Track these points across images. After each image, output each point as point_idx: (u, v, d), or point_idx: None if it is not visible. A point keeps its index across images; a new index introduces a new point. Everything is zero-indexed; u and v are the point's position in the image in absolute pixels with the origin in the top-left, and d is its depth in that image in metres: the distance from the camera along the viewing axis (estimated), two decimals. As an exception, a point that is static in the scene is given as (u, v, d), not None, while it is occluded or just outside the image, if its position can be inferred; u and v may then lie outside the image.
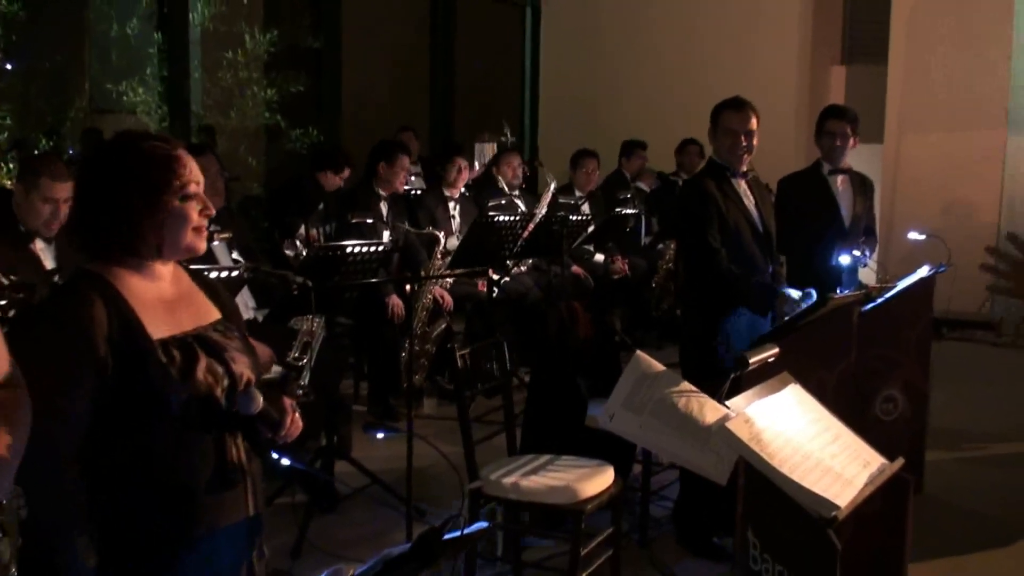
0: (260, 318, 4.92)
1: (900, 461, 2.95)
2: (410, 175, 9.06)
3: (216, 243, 4.33)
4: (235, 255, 4.50)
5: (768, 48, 11.73)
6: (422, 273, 6.55)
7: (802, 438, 2.74)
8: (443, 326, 6.67)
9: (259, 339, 5.00)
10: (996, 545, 5.08)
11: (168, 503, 2.30)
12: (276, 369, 5.03)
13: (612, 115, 11.88)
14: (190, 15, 10.33)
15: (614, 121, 11.40)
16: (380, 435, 5.34)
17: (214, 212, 2.45)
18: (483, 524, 2.09)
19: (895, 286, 5.20)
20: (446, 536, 1.85)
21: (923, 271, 5.48)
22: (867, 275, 7.65)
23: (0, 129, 11.03)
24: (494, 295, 6.85)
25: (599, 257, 8.28)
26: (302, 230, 6.67)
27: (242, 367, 2.43)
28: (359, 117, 11.49)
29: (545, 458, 4.27)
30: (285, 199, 7.84)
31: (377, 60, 12.02)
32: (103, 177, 2.34)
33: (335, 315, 4.81)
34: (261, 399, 2.33)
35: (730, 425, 2.59)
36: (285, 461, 2.38)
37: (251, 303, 5.01)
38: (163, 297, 2.40)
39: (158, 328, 2.32)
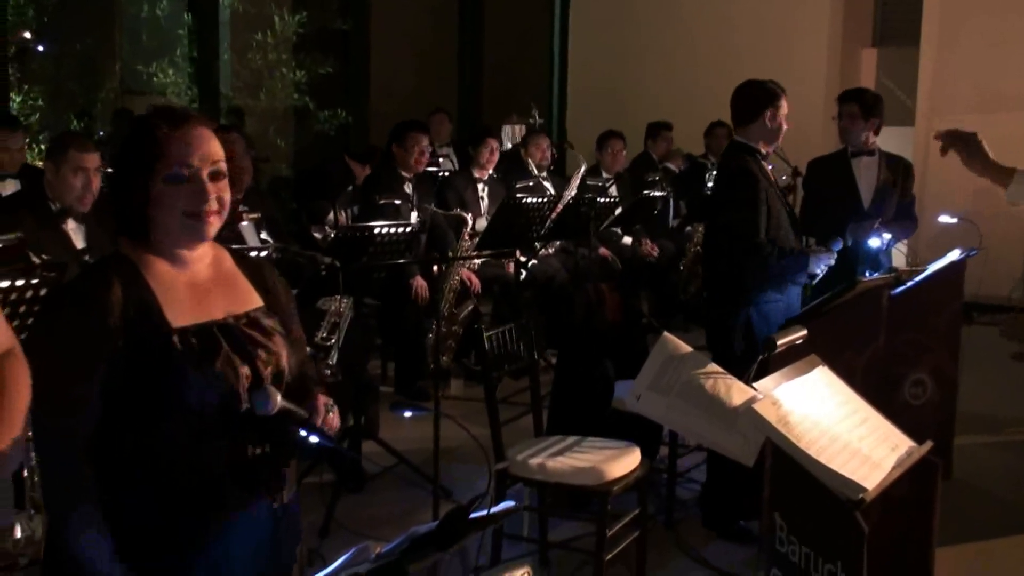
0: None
1: (928, 444, 2.94)
2: (438, 156, 9.12)
3: (244, 223, 4.34)
4: (263, 235, 4.52)
5: (799, 30, 11.63)
6: (449, 255, 6.57)
7: (830, 420, 2.74)
8: (470, 308, 6.68)
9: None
10: (1020, 531, 5.05)
11: (179, 502, 2.21)
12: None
13: (640, 98, 11.83)
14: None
15: (642, 103, 11.36)
16: (407, 413, 5.36)
17: (216, 205, 2.24)
18: (510, 503, 2.09)
19: (925, 269, 5.17)
20: (473, 515, 1.86)
21: (954, 255, 5.44)
22: (899, 258, 7.61)
23: (32, 111, 11.13)
24: (521, 277, 6.84)
25: (627, 239, 8.27)
26: (331, 215, 6.70)
27: (274, 360, 2.32)
28: (387, 99, 11.51)
29: (572, 439, 4.28)
30: (313, 182, 7.87)
31: (405, 42, 12.04)
32: (116, 154, 2.30)
33: (363, 296, 4.81)
34: (279, 398, 2.19)
35: (757, 407, 2.59)
36: (313, 439, 2.27)
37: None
38: (194, 282, 2.30)
39: (180, 315, 2.23)
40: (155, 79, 10.88)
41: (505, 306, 7.02)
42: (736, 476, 3.59)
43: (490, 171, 7.62)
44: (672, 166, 9.34)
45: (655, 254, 8.37)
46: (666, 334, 2.76)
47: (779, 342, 2.78)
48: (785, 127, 4.98)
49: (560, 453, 4.14)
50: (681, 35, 12.02)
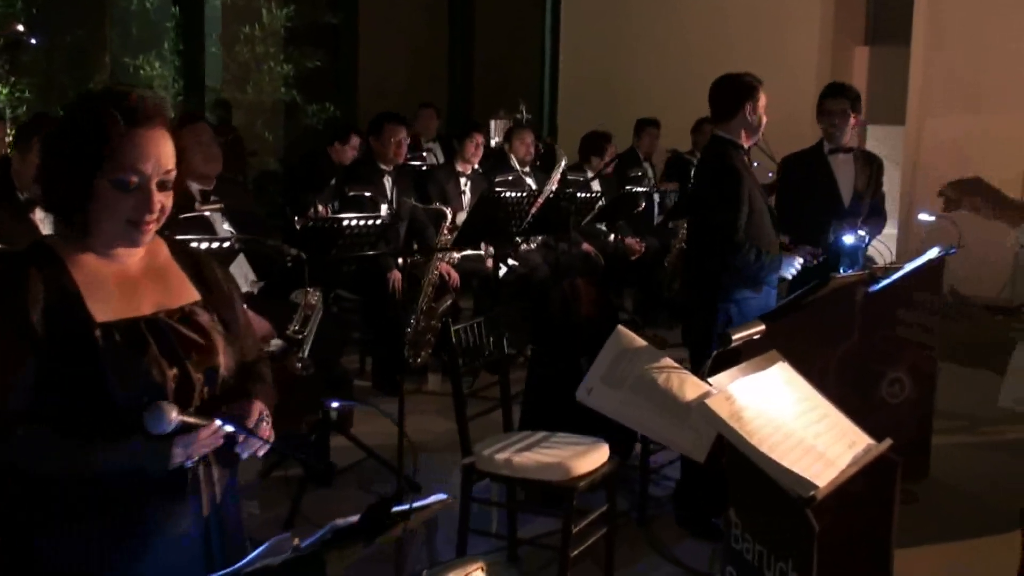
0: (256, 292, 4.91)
1: (887, 442, 2.90)
2: (423, 151, 9.08)
3: (207, 213, 4.30)
4: (226, 226, 4.48)
5: (790, 27, 11.59)
6: (415, 248, 6.54)
7: (785, 417, 2.70)
8: (449, 302, 6.65)
9: (259, 312, 5.03)
10: (996, 531, 5.01)
11: (99, 507, 2.09)
12: (276, 342, 5.02)
13: (631, 94, 11.78)
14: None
15: (633, 99, 11.31)
16: (335, 404, 5.23)
17: (157, 214, 2.13)
18: (441, 496, 2.05)
19: (902, 267, 5.14)
20: (396, 508, 1.82)
21: (932, 253, 5.40)
22: (879, 256, 7.58)
23: (20, 103, 11.07)
24: (500, 273, 6.82)
25: (611, 236, 8.24)
26: (320, 208, 6.66)
27: (208, 360, 2.20)
28: (376, 94, 11.46)
29: (541, 435, 4.25)
30: (299, 175, 7.85)
31: (395, 36, 12.00)
32: (49, 136, 2.17)
33: (334, 288, 4.78)
34: (174, 414, 2.01)
35: (710, 402, 2.55)
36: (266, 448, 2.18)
37: (251, 275, 4.99)
38: (124, 275, 2.19)
39: (105, 309, 2.11)
40: (142, 72, 10.81)
41: (485, 301, 6.99)
42: (709, 474, 3.54)
43: (474, 165, 7.60)
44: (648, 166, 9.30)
45: (641, 250, 8.34)
46: (620, 327, 2.73)
47: (734, 336, 2.74)
48: (764, 120, 4.94)
49: (528, 448, 4.10)
50: (673, 31, 11.98)
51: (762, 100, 4.92)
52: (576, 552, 3.97)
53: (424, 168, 8.16)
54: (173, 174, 2.17)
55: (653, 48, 12.06)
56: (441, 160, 9.53)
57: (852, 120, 5.82)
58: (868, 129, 11.51)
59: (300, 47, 11.48)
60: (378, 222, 4.38)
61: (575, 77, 12.95)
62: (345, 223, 4.23)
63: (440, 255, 6.52)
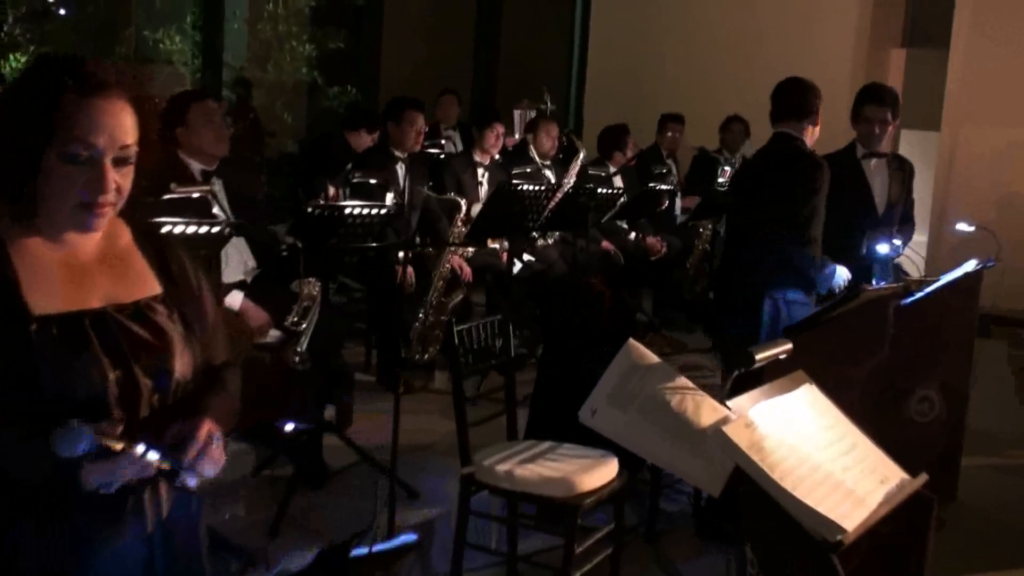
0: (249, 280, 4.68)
1: (923, 478, 2.63)
2: (442, 138, 8.82)
3: (196, 195, 4.06)
4: (215, 209, 4.23)
5: (826, 26, 11.26)
6: (445, 239, 6.29)
7: (811, 447, 2.43)
8: (460, 297, 6.39)
9: (257, 301, 4.79)
10: (1024, 563, 4.75)
11: (27, 525, 1.87)
12: (274, 333, 4.79)
13: (659, 88, 11.47)
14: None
15: (661, 95, 11.00)
16: (289, 427, 4.96)
17: (112, 195, 1.91)
18: (408, 538, 1.79)
19: (938, 280, 4.86)
20: (356, 553, 1.56)
21: (969, 265, 5.12)
22: (912, 266, 7.29)
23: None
24: (515, 269, 6.56)
25: (632, 234, 7.96)
26: (330, 191, 6.41)
27: (160, 363, 1.96)
28: (398, 77, 11.19)
29: (546, 445, 3.98)
30: (313, 158, 7.60)
31: (420, 20, 11.72)
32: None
33: (337, 278, 4.54)
34: (92, 439, 1.73)
35: (727, 429, 2.28)
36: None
37: (251, 262, 4.76)
38: (73, 262, 1.96)
39: (46, 300, 1.88)
40: (161, 46, 10.58)
41: (498, 297, 6.74)
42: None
43: (494, 156, 7.33)
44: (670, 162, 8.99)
45: (662, 250, 8.06)
46: (631, 341, 2.46)
47: (758, 356, 2.46)
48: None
49: (531, 460, 3.84)
50: (704, 28, 11.65)
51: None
52: (579, 573, 3.71)
53: (441, 156, 7.89)
54: (133, 150, 1.93)
55: (682, 43, 11.74)
56: (460, 149, 9.28)
57: (891, 128, 5.57)
58: (901, 133, 11.20)
59: (324, 27, 11.24)
60: (383, 211, 4.11)
61: (603, 69, 12.65)
62: (347, 211, 3.97)
63: (452, 248, 6.25)
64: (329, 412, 5.19)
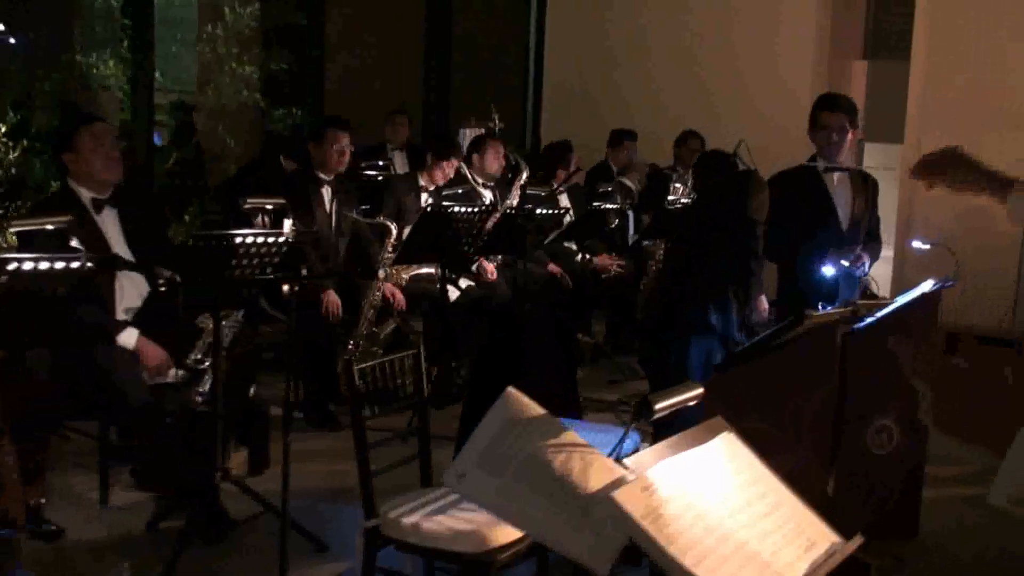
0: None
1: (858, 540, 2.27)
2: (384, 159, 8.48)
3: (51, 227, 3.69)
4: (74, 242, 3.86)
5: (786, 39, 10.96)
6: (377, 264, 5.93)
7: (723, 511, 2.07)
8: (392, 327, 6.02)
9: (157, 338, 4.41)
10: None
11: None
12: (175, 373, 4.42)
13: (616, 106, 11.14)
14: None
15: (619, 112, 10.68)
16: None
17: None
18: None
19: (891, 302, 4.53)
20: None
21: (926, 285, 4.79)
22: (877, 285, 6.97)
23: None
24: (453, 296, 6.21)
25: (579, 256, 7.61)
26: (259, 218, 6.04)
27: None
28: (345, 98, 10.83)
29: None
30: (242, 185, 7.24)
31: (365, 38, 11.35)
32: None
33: (226, 314, 4.16)
34: None
35: (619, 495, 1.92)
36: None
37: (146, 292, 4.39)
38: None
39: None
40: (94, 71, 10.21)
41: (437, 326, 6.37)
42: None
43: (438, 184, 6.95)
44: (628, 181, 8.63)
45: (613, 267, 7.70)
46: (510, 390, 2.09)
47: (657, 407, 2.10)
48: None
49: (442, 509, 3.45)
50: (661, 42, 11.33)
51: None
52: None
53: (380, 178, 7.53)
54: None
55: (639, 59, 11.41)
56: (405, 170, 8.92)
57: (850, 135, 5.26)
58: (865, 147, 10.93)
59: (266, 49, 10.89)
60: (280, 239, 3.74)
61: (558, 87, 12.32)
62: (239, 240, 3.60)
63: (383, 274, 5.88)
64: (240, 456, 4.81)
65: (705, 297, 4.85)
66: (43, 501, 4.29)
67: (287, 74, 10.92)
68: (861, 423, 4.69)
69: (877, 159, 10.54)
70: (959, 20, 9.85)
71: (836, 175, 5.31)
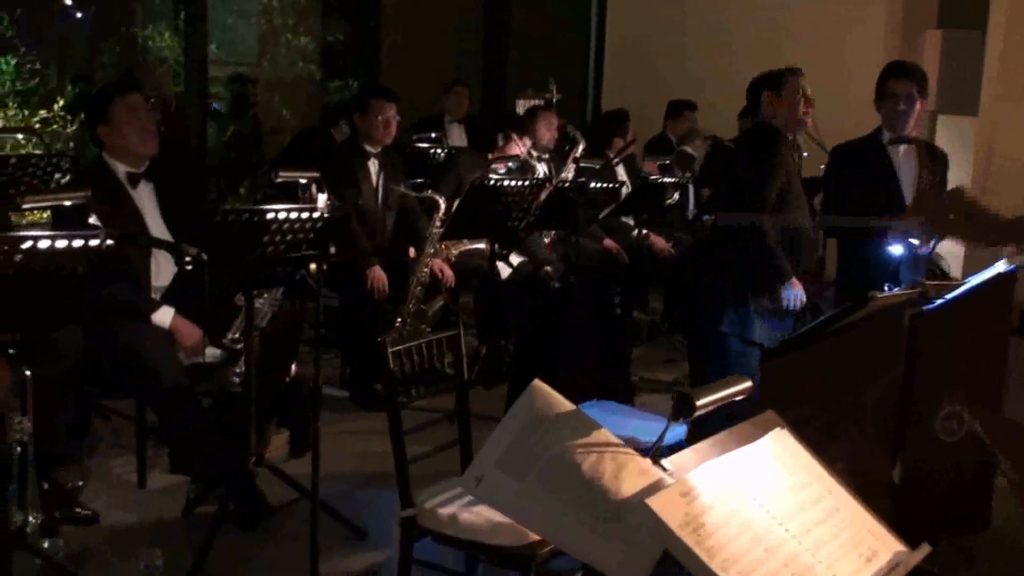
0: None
1: (924, 549, 2.06)
2: (440, 131, 8.30)
3: (68, 203, 3.56)
4: (92, 219, 3.72)
5: (857, 9, 10.62)
6: (425, 239, 5.76)
7: (771, 519, 1.87)
8: (440, 304, 5.85)
9: (194, 316, 4.29)
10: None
11: None
12: (212, 352, 4.29)
13: (681, 78, 10.83)
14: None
15: (683, 84, 10.38)
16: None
17: None
18: None
19: (962, 283, 4.27)
20: None
21: (999, 265, 4.51)
22: (954, 261, 6.68)
23: (32, 75, 10.49)
24: (504, 273, 6.02)
25: (636, 231, 7.36)
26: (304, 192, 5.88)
27: None
28: (401, 69, 10.66)
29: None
30: (292, 157, 7.10)
31: (423, 9, 11.16)
32: None
33: (261, 292, 4.02)
34: None
35: (654, 501, 1.73)
36: None
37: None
38: None
39: None
40: (150, 43, 10.15)
41: (487, 302, 6.20)
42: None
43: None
44: (689, 149, 8.34)
45: (667, 250, 7.45)
46: (536, 382, 1.91)
47: (700, 402, 1.90)
48: (802, 109, 4.84)
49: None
50: (729, 12, 11.01)
51: (792, 88, 4.81)
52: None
53: (435, 152, 7.34)
54: None
55: (706, 31, 11.06)
56: (464, 143, 8.73)
57: (919, 105, 4.99)
58: (938, 120, 10.53)
59: (322, 19, 10.75)
60: (315, 215, 3.58)
61: (620, 59, 12.03)
62: (270, 217, 3.44)
63: (430, 250, 5.71)
64: (282, 438, 4.68)
65: (719, 296, 4.74)
66: (80, 484, 4.20)
67: (343, 45, 10.79)
68: (929, 409, 4.46)
69: (951, 131, 10.13)
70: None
71: (902, 148, 5.06)
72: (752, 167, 4.73)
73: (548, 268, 6.22)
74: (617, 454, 1.85)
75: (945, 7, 11.10)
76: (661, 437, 1.88)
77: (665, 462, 1.89)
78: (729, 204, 4.88)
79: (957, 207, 3.54)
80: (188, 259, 3.54)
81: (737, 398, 2.04)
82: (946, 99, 10.24)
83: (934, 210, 3.62)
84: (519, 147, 6.55)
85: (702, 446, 1.99)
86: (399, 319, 5.69)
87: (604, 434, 1.87)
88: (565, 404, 1.92)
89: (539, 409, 1.89)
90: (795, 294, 4.72)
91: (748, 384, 2.05)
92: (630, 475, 1.83)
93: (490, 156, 6.52)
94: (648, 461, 1.88)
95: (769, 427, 2.13)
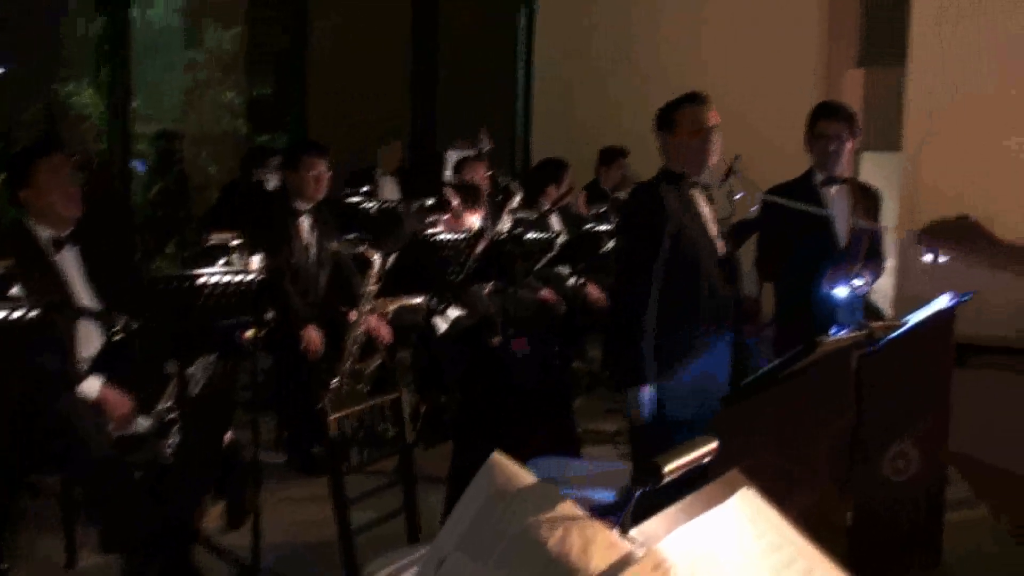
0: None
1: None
2: (371, 184, 8.21)
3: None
4: (14, 290, 3.57)
5: (780, 49, 10.74)
6: (360, 297, 5.65)
7: (746, 587, 1.79)
8: (377, 362, 5.72)
9: (124, 384, 4.13)
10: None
11: None
12: (145, 422, 4.13)
13: (608, 122, 10.87)
14: (135, 8, 9.39)
15: (611, 127, 10.41)
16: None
17: None
18: None
19: (906, 322, 4.25)
20: None
21: (941, 301, 4.51)
22: (884, 299, 6.68)
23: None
24: (442, 327, 5.91)
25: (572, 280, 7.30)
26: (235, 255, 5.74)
27: None
28: (329, 123, 10.55)
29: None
30: (225, 211, 6.97)
31: (350, 61, 11.08)
32: None
33: (192, 359, 3.88)
34: None
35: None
36: None
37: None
38: None
39: None
40: (73, 99, 9.95)
41: (425, 358, 6.09)
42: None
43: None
44: (623, 196, 8.33)
45: (602, 299, 7.39)
46: (494, 457, 1.80)
47: (667, 469, 1.81)
48: (711, 143, 4.27)
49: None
50: (654, 54, 11.08)
51: (695, 118, 4.30)
52: None
53: (366, 206, 7.23)
54: None
55: (631, 75, 11.14)
56: (396, 197, 8.63)
57: (849, 145, 5.00)
58: (862, 156, 10.66)
59: (247, 73, 10.64)
60: (248, 278, 3.46)
61: (549, 107, 12.07)
62: (202, 281, 3.31)
63: (366, 307, 5.59)
64: (217, 508, 4.52)
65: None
66: (6, 567, 3.99)
67: (270, 99, 10.68)
68: (878, 450, 4.43)
69: (877, 166, 10.26)
70: (958, 25, 9.62)
71: (834, 188, 5.05)
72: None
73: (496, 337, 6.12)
74: (584, 528, 1.75)
75: (866, 46, 11.29)
76: (628, 507, 1.78)
77: (634, 532, 1.79)
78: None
79: (971, 231, 3.49)
80: (116, 328, 3.40)
81: (705, 460, 1.95)
82: (870, 136, 10.38)
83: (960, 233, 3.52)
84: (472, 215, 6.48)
85: (670, 511, 1.89)
86: (335, 379, 5.56)
87: (569, 507, 1.77)
88: (526, 477, 1.82)
89: (499, 484, 1.78)
90: (642, 399, 4.10)
91: (714, 445, 1.96)
92: (599, 549, 1.73)
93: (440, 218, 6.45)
94: (616, 533, 1.78)
95: (736, 487, 2.04)
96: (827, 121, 5.01)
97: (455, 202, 6.30)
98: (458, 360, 5.84)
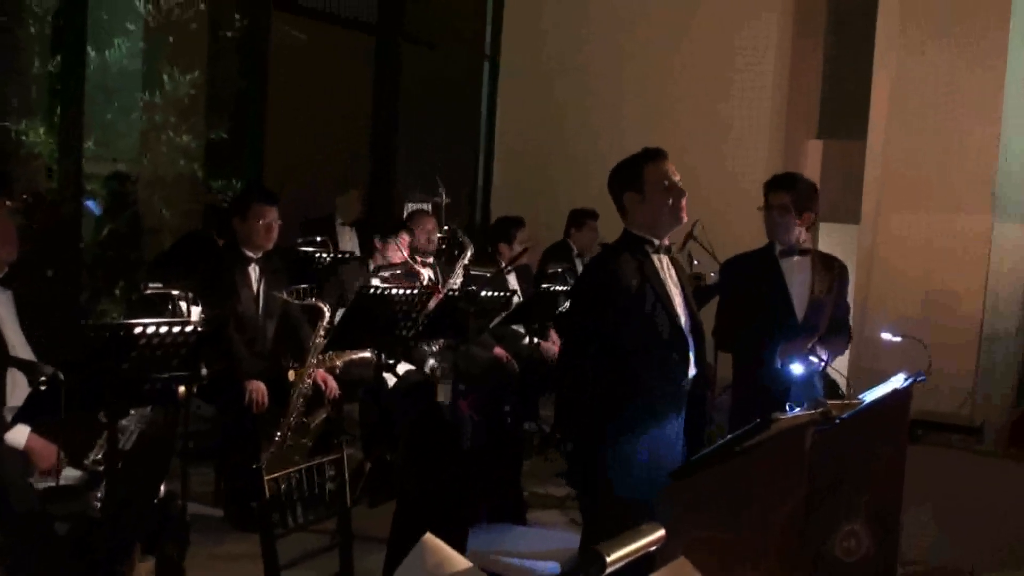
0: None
1: None
2: (327, 235, 8.11)
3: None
4: None
5: (739, 120, 10.81)
6: (308, 349, 5.51)
7: None
8: (323, 416, 5.58)
9: (51, 433, 3.96)
10: None
11: None
12: (73, 474, 3.97)
13: (573, 183, 10.84)
14: (91, 50, 9.25)
15: (572, 189, 10.38)
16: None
17: None
18: None
19: (861, 401, 4.17)
20: None
21: (897, 380, 4.45)
22: (841, 380, 6.64)
23: None
24: (391, 382, 5.80)
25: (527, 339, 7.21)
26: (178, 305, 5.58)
27: None
28: (286, 169, 10.41)
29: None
30: (173, 260, 6.83)
31: (309, 106, 10.98)
32: None
33: (126, 409, 3.73)
34: None
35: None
36: None
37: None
38: None
39: None
40: (24, 138, 9.75)
41: (373, 414, 5.95)
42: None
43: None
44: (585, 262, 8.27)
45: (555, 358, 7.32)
46: (427, 538, 1.69)
47: (611, 558, 1.70)
48: (671, 202, 3.98)
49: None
50: (615, 122, 11.07)
51: (655, 178, 4.00)
52: None
53: (321, 256, 7.12)
54: None
55: (597, 135, 11.15)
56: (355, 247, 8.52)
57: (794, 216, 4.91)
58: (820, 227, 10.71)
59: (205, 117, 10.49)
60: (187, 329, 3.33)
61: (510, 161, 12.05)
62: (139, 331, 3.19)
63: (315, 360, 5.46)
64: (147, 566, 4.33)
65: None
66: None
67: (227, 143, 10.53)
68: (828, 529, 4.34)
69: (833, 238, 10.29)
70: (917, 100, 9.71)
71: (795, 258, 4.98)
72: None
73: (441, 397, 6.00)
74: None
75: (826, 118, 11.37)
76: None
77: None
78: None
79: None
80: (43, 379, 3.25)
81: (651, 548, 1.84)
82: (828, 207, 10.42)
83: None
84: (399, 250, 6.38)
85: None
86: (279, 433, 5.40)
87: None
88: (459, 561, 1.70)
89: (430, 568, 1.67)
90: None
91: (661, 533, 1.86)
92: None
93: (371, 263, 6.34)
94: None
95: (682, 573, 1.94)
96: (773, 192, 4.96)
97: (375, 240, 6.24)
98: (407, 416, 5.72)
